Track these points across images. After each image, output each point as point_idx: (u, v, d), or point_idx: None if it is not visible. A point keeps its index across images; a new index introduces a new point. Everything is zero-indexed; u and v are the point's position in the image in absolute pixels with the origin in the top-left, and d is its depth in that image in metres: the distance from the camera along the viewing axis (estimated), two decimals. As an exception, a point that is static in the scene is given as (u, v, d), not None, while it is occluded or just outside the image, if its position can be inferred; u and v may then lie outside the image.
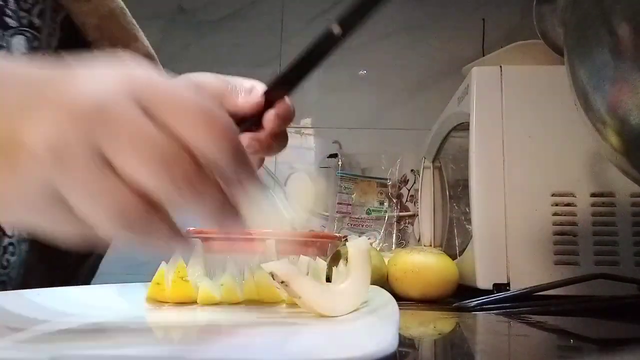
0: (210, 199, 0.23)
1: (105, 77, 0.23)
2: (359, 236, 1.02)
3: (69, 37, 0.46)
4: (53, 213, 0.23)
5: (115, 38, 0.47)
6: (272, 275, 0.32)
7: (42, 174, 0.22)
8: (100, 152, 0.22)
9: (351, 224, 1.09)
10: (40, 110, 0.23)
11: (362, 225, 1.10)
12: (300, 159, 1.18)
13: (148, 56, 0.50)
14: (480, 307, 0.50)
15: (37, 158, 0.22)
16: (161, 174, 0.22)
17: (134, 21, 0.48)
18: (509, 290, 0.57)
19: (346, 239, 0.57)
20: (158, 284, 0.41)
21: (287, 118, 0.36)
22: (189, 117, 0.23)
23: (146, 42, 0.49)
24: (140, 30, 0.49)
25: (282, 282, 0.32)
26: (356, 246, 0.35)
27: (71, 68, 0.24)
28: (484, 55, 0.92)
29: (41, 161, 0.22)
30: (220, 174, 0.24)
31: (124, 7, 0.48)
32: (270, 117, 0.36)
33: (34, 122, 0.22)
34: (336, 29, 0.32)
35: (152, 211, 0.23)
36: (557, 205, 0.60)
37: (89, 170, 0.22)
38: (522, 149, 0.62)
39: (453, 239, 0.88)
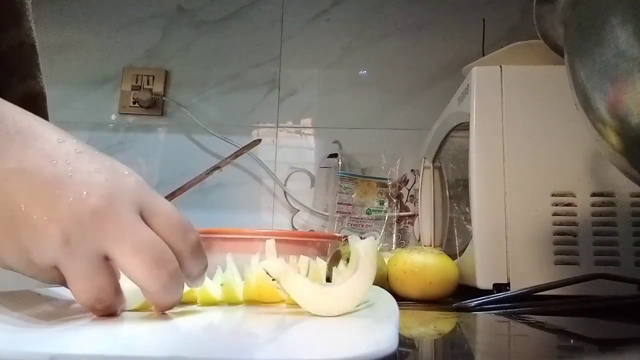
0: (179, 291, 0.30)
1: (111, 181, 0.29)
2: (359, 236, 1.03)
3: None
4: (43, 271, 0.28)
5: (16, 69, 0.49)
6: (267, 273, 0.32)
7: (47, 249, 0.27)
8: (103, 249, 0.27)
9: (351, 224, 1.09)
10: (55, 200, 0.27)
11: (362, 225, 1.10)
12: (300, 159, 1.18)
13: (40, 95, 0.52)
14: (480, 307, 0.50)
15: (48, 236, 0.26)
16: (153, 272, 0.28)
17: (39, 60, 0.51)
18: (509, 290, 0.57)
19: (346, 239, 0.57)
20: (158, 284, 0.40)
21: None
22: (174, 227, 0.30)
23: (42, 83, 0.52)
24: (40, 71, 0.52)
25: (274, 279, 0.32)
26: (363, 247, 0.35)
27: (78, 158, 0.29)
28: (484, 55, 0.92)
29: (51, 239, 0.26)
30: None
31: (36, 45, 0.50)
32: None
33: (47, 207, 0.27)
34: None
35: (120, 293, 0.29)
36: (557, 205, 0.60)
37: (90, 263, 0.27)
38: (522, 149, 0.62)
39: (453, 239, 0.88)
